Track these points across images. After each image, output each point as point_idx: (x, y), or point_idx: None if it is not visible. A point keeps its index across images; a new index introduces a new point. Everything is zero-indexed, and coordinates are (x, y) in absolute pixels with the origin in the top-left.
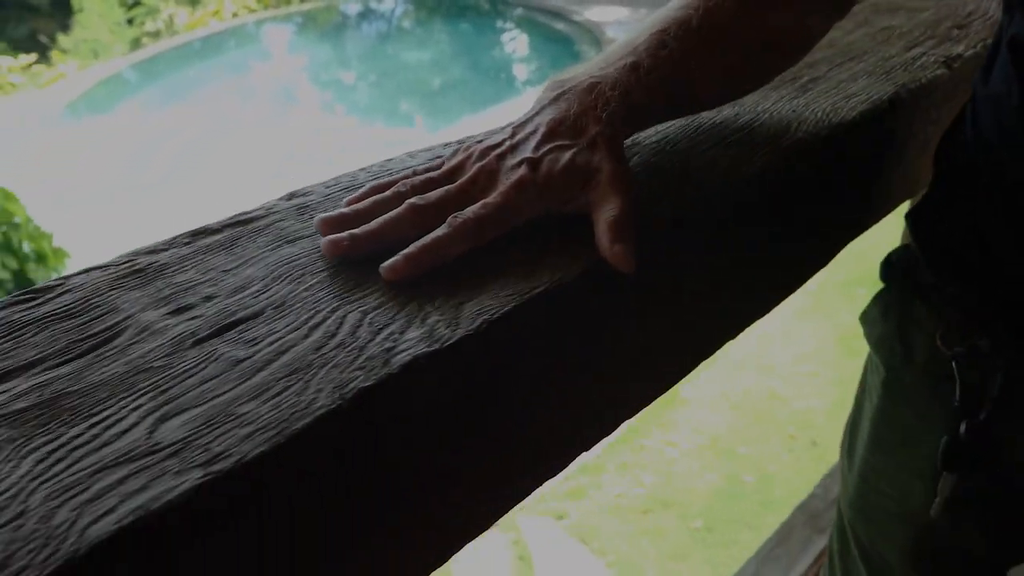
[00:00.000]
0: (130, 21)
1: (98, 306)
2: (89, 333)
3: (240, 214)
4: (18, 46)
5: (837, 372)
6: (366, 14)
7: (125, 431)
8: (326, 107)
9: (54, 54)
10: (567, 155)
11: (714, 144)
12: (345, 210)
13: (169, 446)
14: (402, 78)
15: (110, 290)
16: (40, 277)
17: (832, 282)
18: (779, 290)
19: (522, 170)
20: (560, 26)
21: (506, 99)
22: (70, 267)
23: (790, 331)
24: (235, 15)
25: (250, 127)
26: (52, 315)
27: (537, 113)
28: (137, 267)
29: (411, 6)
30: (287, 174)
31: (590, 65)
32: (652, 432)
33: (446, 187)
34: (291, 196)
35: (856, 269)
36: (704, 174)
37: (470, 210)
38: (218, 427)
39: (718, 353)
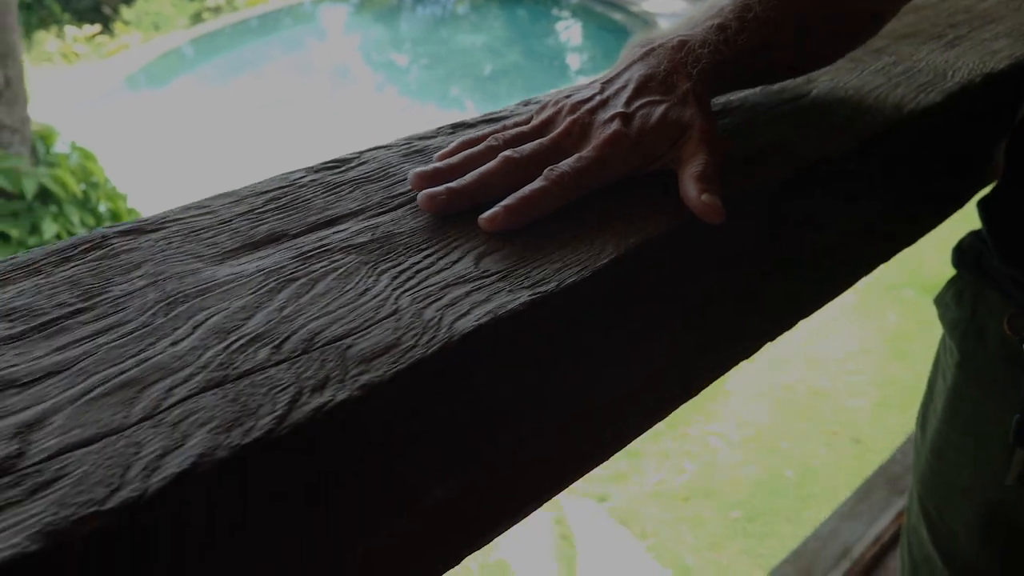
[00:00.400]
0: None
1: (395, 174)
2: (396, 192)
3: (492, 113)
4: (83, 17)
5: (883, 373)
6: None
7: (455, 262)
8: (378, 87)
9: (117, 26)
10: (659, 110)
11: (883, 82)
12: (439, 164)
13: (495, 273)
14: (455, 62)
15: (400, 163)
16: None
17: (880, 284)
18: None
19: (615, 124)
20: (617, 16)
21: (558, 87)
22: None
23: (837, 329)
24: None
25: (303, 103)
26: (360, 178)
27: (626, 68)
28: (415, 148)
29: None
30: (338, 149)
31: (676, 25)
32: (695, 421)
33: (539, 140)
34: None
35: (904, 272)
36: (877, 109)
37: (566, 163)
38: (532, 262)
39: (762, 347)
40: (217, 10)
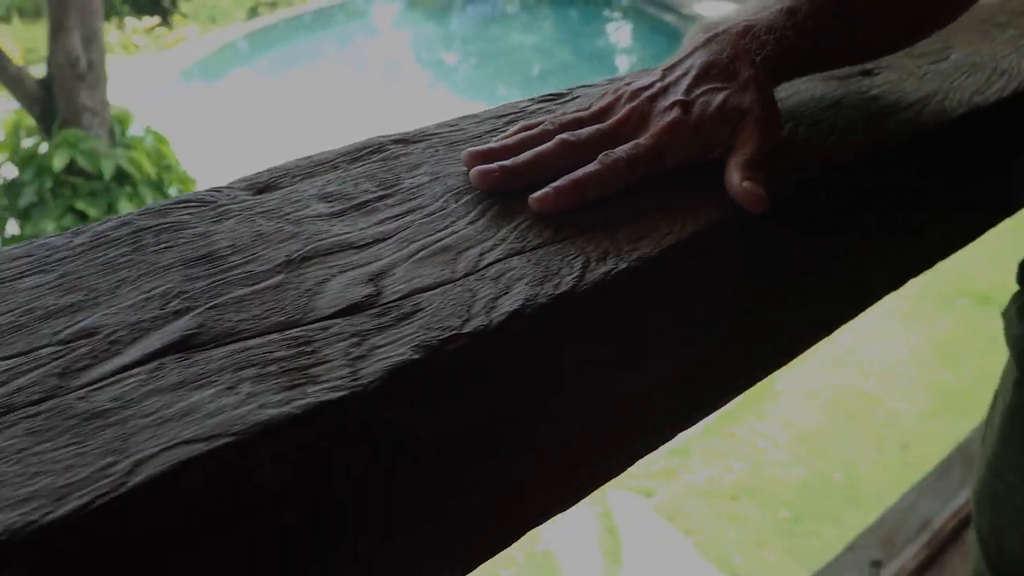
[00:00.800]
0: None
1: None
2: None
3: (550, 94)
4: (142, 9)
5: (932, 379)
6: None
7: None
8: (428, 84)
9: (175, 18)
10: (719, 97)
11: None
12: (493, 144)
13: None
14: (504, 61)
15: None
16: None
17: (932, 290)
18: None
19: (675, 112)
20: (668, 18)
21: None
22: None
23: (887, 333)
24: None
25: (355, 98)
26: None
27: (688, 55)
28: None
29: None
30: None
31: (743, 9)
32: (743, 421)
33: (597, 126)
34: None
35: (956, 280)
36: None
37: (622, 149)
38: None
39: (811, 348)
40: (273, 5)
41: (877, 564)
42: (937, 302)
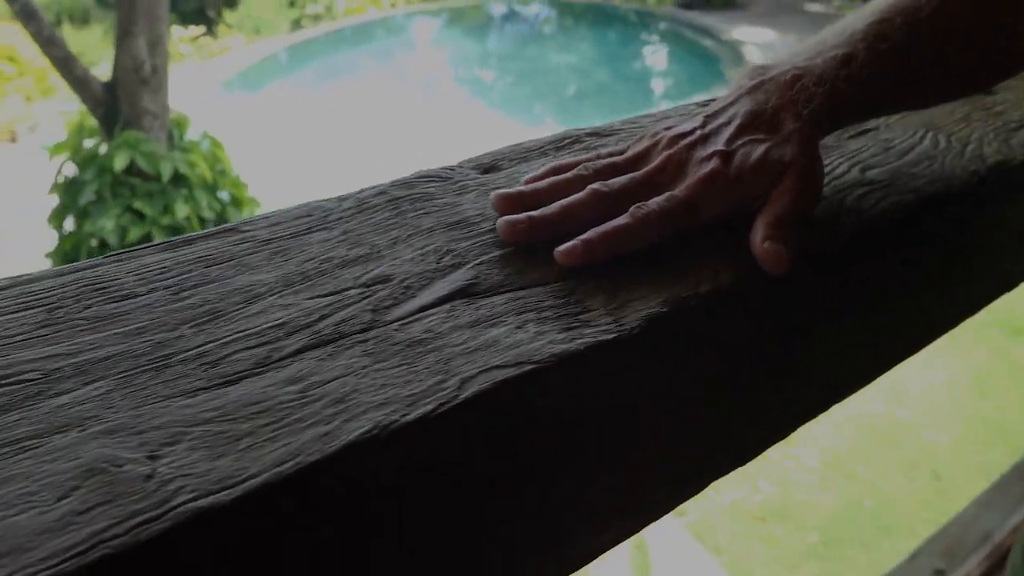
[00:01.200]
0: (292, 3)
1: None
2: None
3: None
4: (187, 19)
5: (967, 410)
6: (512, 16)
7: None
8: (464, 101)
9: (220, 28)
10: (760, 149)
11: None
12: (524, 188)
13: None
14: (540, 80)
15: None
16: (234, 219)
17: (969, 321)
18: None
19: (713, 162)
20: (707, 43)
21: (641, 111)
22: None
23: (921, 362)
24: (393, 5)
25: (393, 111)
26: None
27: (733, 103)
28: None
29: (557, 12)
30: (425, 155)
31: (798, 52)
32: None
33: (631, 175)
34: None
35: (993, 311)
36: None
37: (655, 201)
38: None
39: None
40: (316, 17)
41: (940, 573)
42: (973, 332)
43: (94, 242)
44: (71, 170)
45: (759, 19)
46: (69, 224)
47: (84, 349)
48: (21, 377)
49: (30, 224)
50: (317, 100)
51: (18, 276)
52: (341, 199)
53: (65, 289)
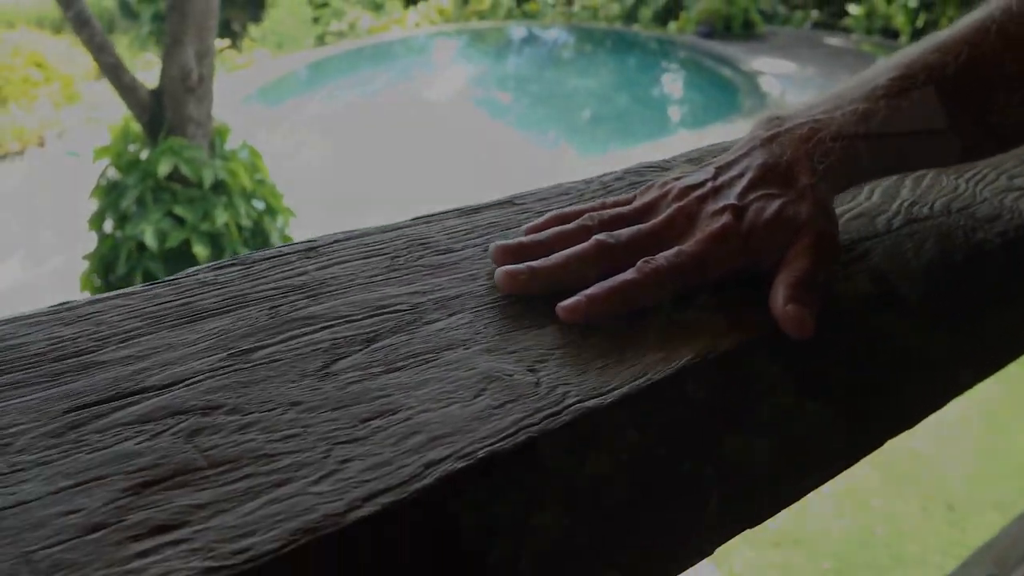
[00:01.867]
0: (316, 20)
1: None
2: None
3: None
4: None
5: (980, 443)
6: (532, 40)
7: None
8: (481, 122)
9: (244, 42)
10: (775, 205)
11: None
12: (524, 239)
13: None
14: (559, 104)
15: None
16: (270, 229)
17: None
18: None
19: (725, 217)
20: (726, 72)
21: (658, 138)
22: (293, 226)
23: None
24: (417, 25)
25: (409, 130)
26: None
27: (746, 154)
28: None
29: (577, 37)
30: (439, 175)
31: (815, 104)
32: None
33: (638, 227)
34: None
35: None
36: None
37: (663, 256)
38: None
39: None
40: (340, 34)
41: None
42: None
43: (133, 244)
44: (111, 174)
45: (778, 51)
46: (107, 226)
47: (434, 289)
48: (396, 308)
49: (64, 226)
50: (334, 117)
51: (351, 231)
52: (587, 182)
53: (396, 242)
